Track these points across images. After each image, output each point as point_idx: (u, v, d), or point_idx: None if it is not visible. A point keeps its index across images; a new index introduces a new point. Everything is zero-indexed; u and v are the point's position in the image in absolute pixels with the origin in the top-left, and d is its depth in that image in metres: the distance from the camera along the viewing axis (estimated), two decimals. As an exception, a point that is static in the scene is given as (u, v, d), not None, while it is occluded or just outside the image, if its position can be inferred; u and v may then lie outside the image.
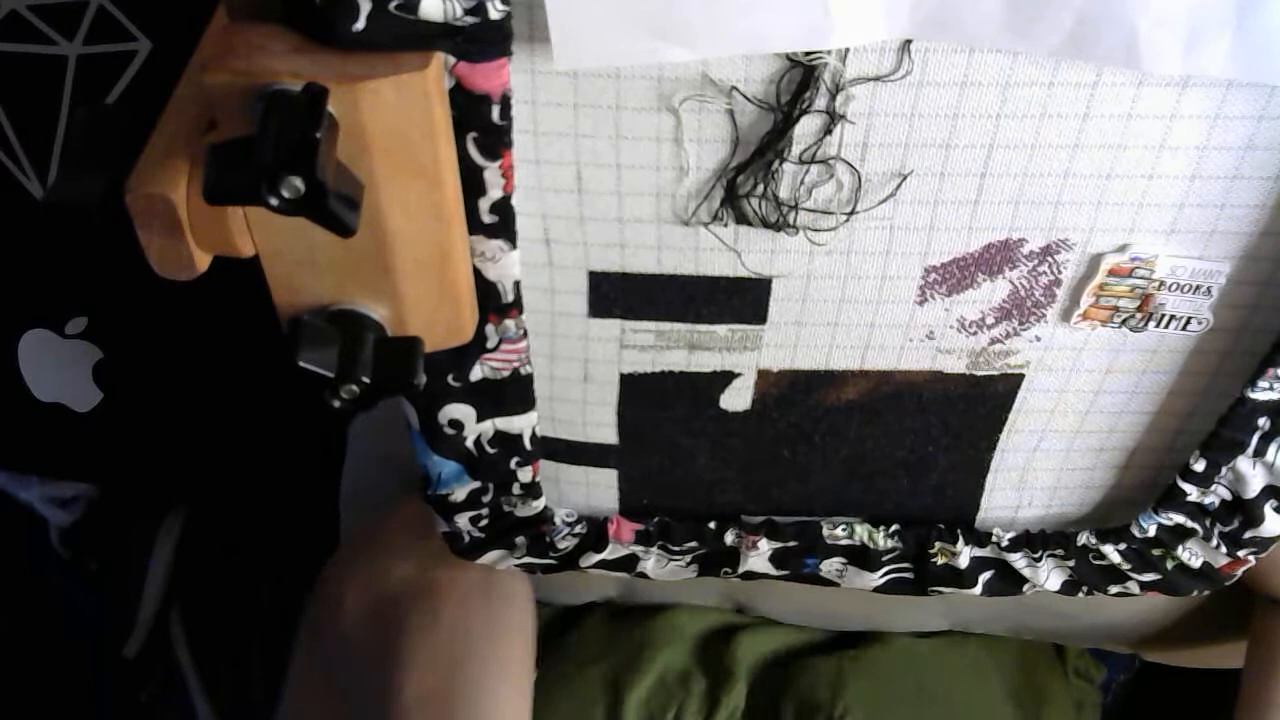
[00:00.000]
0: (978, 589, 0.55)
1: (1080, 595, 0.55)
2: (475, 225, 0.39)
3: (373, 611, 0.59)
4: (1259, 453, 0.47)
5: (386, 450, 0.66)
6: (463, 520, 0.52)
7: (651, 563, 0.55)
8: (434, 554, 0.58)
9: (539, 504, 0.52)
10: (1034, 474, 0.51)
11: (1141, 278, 0.42)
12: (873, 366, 0.46)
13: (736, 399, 0.48)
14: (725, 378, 0.47)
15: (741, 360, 0.46)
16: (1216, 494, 0.49)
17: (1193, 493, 0.49)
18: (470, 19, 0.33)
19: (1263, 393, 0.45)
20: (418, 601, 0.58)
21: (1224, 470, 0.48)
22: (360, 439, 0.68)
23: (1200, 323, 0.44)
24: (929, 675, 0.69)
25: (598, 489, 0.53)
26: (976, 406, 0.48)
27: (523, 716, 0.58)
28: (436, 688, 0.56)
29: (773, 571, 0.55)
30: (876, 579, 0.54)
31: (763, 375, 0.47)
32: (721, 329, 0.45)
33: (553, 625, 0.68)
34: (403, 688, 0.56)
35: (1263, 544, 0.50)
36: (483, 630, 0.58)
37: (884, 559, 0.53)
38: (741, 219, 0.40)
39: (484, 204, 0.38)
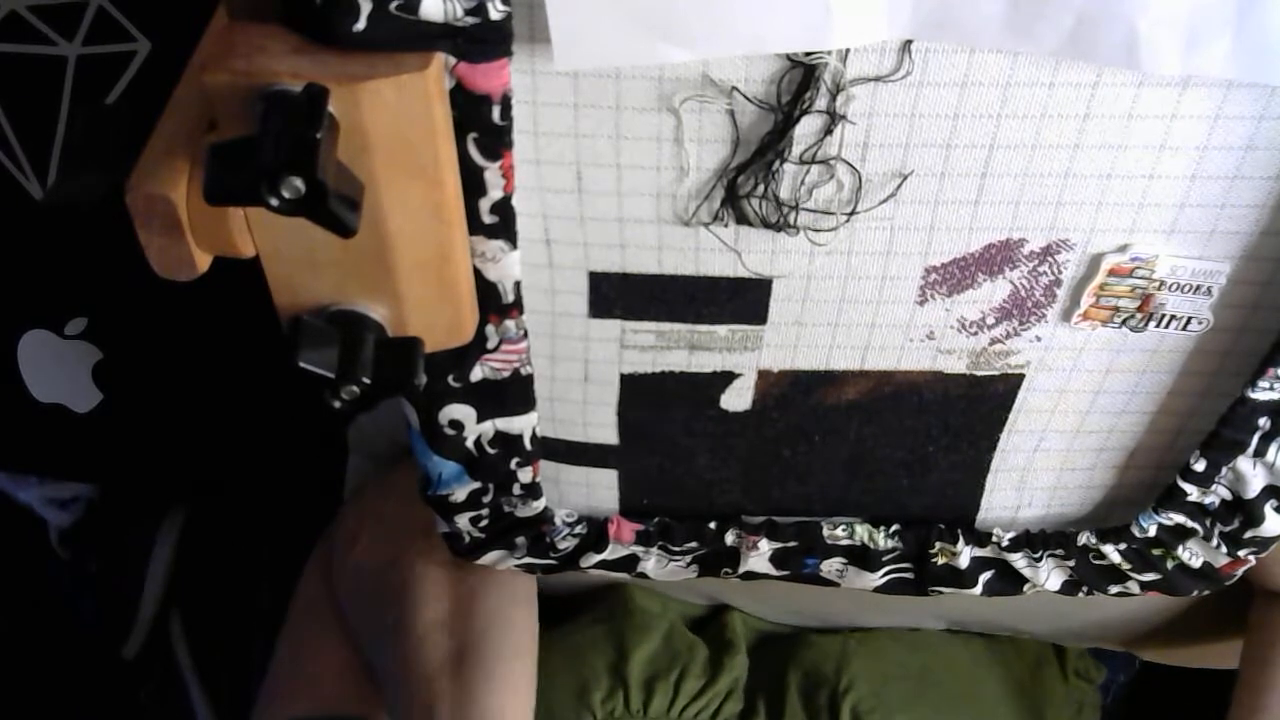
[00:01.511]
0: (978, 589, 0.55)
1: (1080, 595, 0.55)
2: (475, 225, 0.39)
3: (389, 553, 0.60)
4: (1259, 453, 0.47)
5: (387, 450, 0.66)
6: (463, 521, 0.52)
7: (652, 563, 0.55)
8: None
9: (539, 504, 0.52)
10: (1034, 474, 0.51)
11: (1142, 278, 0.42)
12: (873, 367, 0.46)
13: (737, 399, 0.48)
14: (725, 378, 0.47)
15: (742, 360, 0.46)
16: (1217, 494, 0.49)
17: (1193, 493, 0.49)
18: (470, 19, 0.33)
19: (1263, 393, 0.45)
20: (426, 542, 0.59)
21: (1224, 470, 0.48)
22: (361, 439, 0.68)
23: (1200, 323, 0.44)
24: (932, 660, 0.69)
25: (598, 489, 0.53)
26: (977, 406, 0.48)
27: (532, 634, 0.60)
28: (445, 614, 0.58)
29: (773, 572, 0.55)
30: (877, 579, 0.54)
31: (763, 375, 0.47)
32: (722, 329, 0.45)
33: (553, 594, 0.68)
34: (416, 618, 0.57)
35: (1263, 544, 0.50)
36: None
37: (884, 559, 0.53)
38: (742, 219, 0.40)
39: (484, 204, 0.38)
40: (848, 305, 0.43)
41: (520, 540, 0.54)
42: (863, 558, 0.53)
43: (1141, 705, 0.83)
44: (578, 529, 0.54)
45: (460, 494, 0.50)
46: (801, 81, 0.37)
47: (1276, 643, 0.60)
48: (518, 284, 0.42)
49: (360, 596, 0.61)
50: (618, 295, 0.43)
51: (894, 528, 0.53)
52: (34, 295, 0.70)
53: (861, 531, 0.53)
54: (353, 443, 0.68)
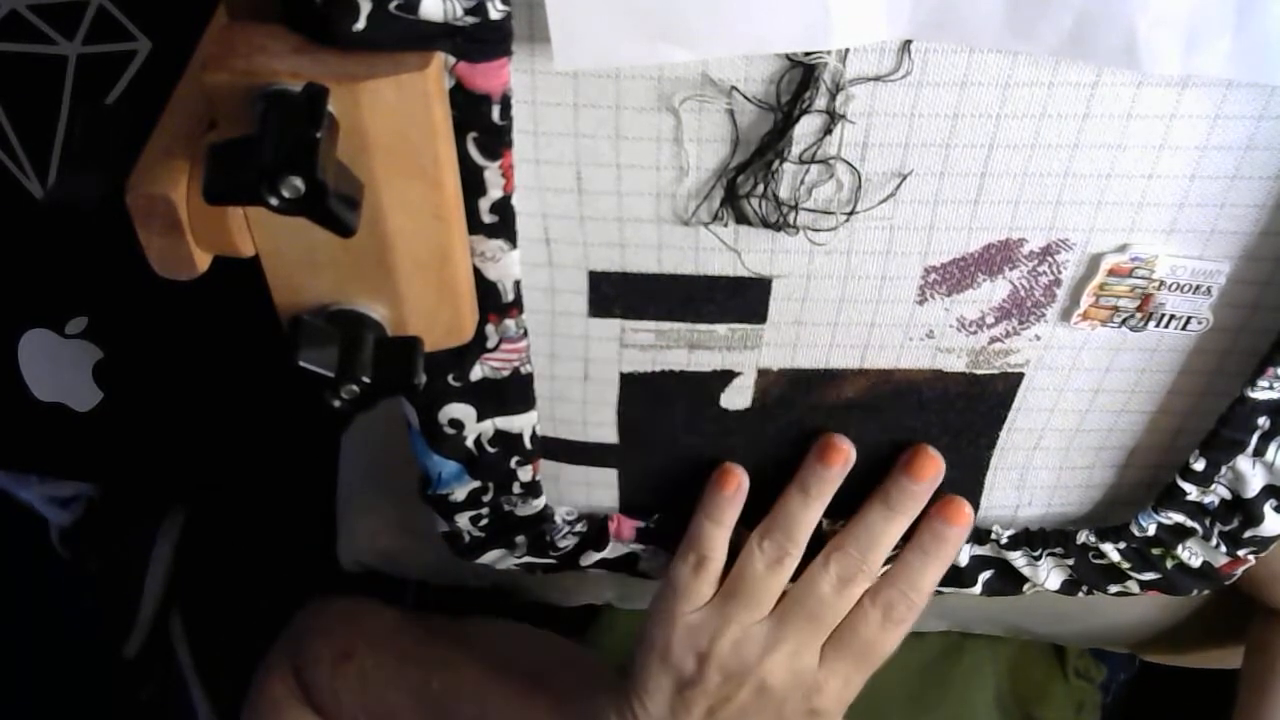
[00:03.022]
0: (977, 588, 0.55)
1: (1080, 595, 0.55)
2: (475, 225, 0.39)
3: None
4: (1259, 452, 0.47)
5: (378, 453, 0.66)
6: (463, 520, 0.52)
7: (652, 561, 0.55)
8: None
9: (539, 503, 0.52)
10: (1034, 473, 0.51)
11: (1141, 277, 0.42)
12: (872, 365, 0.46)
13: (737, 398, 0.48)
14: (725, 377, 0.47)
15: (742, 359, 0.46)
16: (1216, 493, 0.49)
17: (1192, 492, 0.49)
18: (470, 19, 0.33)
19: (1262, 392, 0.45)
20: None
21: (1224, 469, 0.48)
22: (352, 442, 0.68)
23: (1200, 322, 0.44)
24: (924, 682, 0.68)
25: (598, 488, 0.53)
26: (976, 405, 0.48)
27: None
28: None
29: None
30: (876, 578, 0.54)
31: (763, 374, 0.47)
32: (721, 328, 0.45)
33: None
34: None
35: (1262, 543, 0.50)
36: None
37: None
38: (741, 219, 0.40)
39: (484, 204, 0.38)
40: (847, 304, 0.43)
41: (520, 539, 0.54)
42: (862, 557, 0.53)
43: (1142, 705, 0.83)
44: (578, 527, 0.54)
45: (460, 493, 0.50)
46: (801, 81, 0.37)
47: (1276, 670, 0.60)
48: (517, 283, 0.42)
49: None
50: (617, 294, 0.43)
51: (893, 526, 0.53)
52: (34, 295, 0.70)
53: (861, 530, 0.53)
54: (345, 447, 0.68)
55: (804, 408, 0.48)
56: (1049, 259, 0.42)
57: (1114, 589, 0.55)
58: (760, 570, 0.49)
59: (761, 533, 0.50)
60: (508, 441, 0.48)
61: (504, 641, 0.61)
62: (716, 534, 0.50)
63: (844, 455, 0.48)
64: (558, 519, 0.53)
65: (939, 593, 0.55)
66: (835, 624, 0.50)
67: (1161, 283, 0.42)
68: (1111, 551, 0.52)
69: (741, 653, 0.49)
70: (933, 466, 0.49)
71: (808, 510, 0.49)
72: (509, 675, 0.58)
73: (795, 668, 0.49)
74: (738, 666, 0.49)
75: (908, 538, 0.51)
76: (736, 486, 0.50)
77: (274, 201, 0.30)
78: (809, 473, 0.49)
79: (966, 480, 0.51)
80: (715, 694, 0.50)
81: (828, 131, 0.38)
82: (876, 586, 0.50)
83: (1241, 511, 0.49)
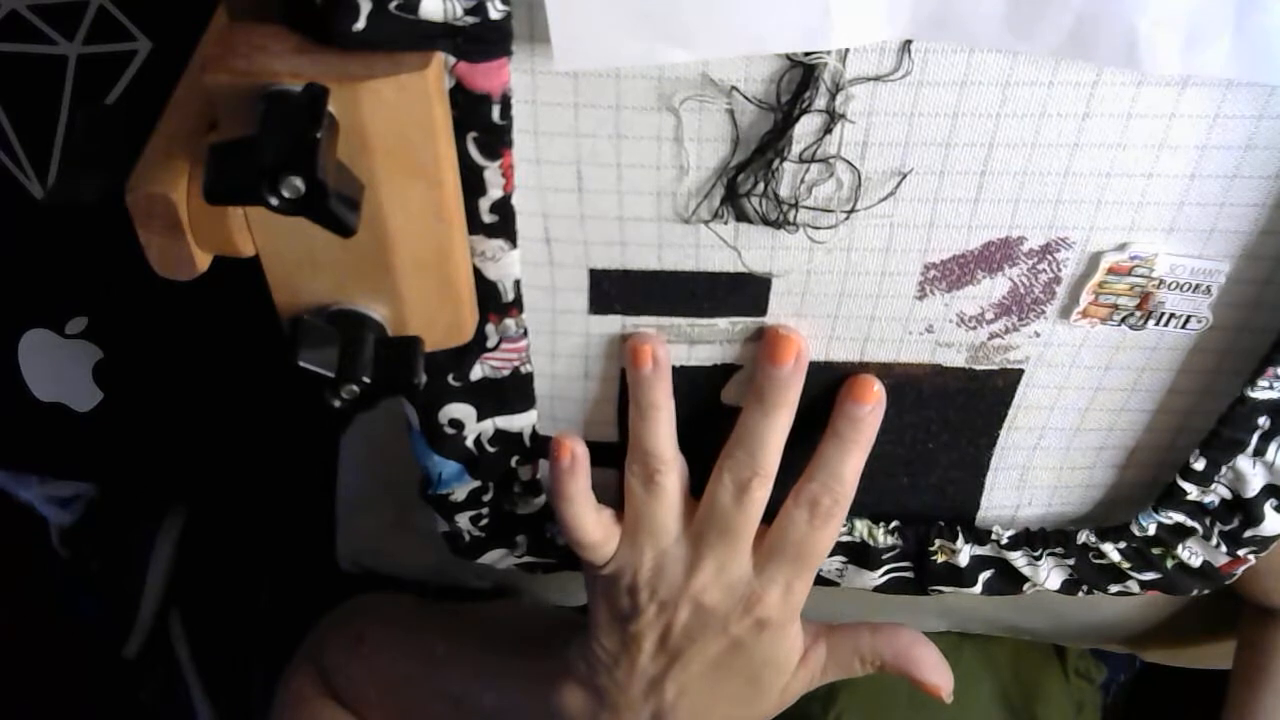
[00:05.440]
0: (978, 588, 0.55)
1: (1080, 595, 0.55)
2: (475, 225, 0.39)
3: None
4: (1259, 452, 0.47)
5: (378, 453, 0.66)
6: (463, 520, 0.52)
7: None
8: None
9: (539, 502, 0.52)
10: (1034, 472, 0.51)
11: (1141, 276, 0.42)
12: (872, 358, 0.46)
13: (737, 392, 0.48)
14: (726, 371, 0.47)
15: (742, 353, 0.46)
16: (1216, 493, 0.49)
17: (1193, 491, 0.49)
18: (470, 19, 0.33)
19: (1262, 391, 0.45)
20: None
21: (1224, 469, 0.48)
22: (352, 443, 0.68)
23: (1199, 321, 0.44)
24: None
25: (598, 488, 0.52)
26: (976, 402, 0.48)
27: None
28: None
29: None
30: (877, 578, 0.54)
31: (763, 373, 0.46)
32: (722, 321, 0.45)
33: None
34: None
35: (1263, 543, 0.50)
36: None
37: (884, 557, 0.53)
38: (742, 217, 0.40)
39: (484, 204, 0.38)
40: (847, 299, 0.43)
41: (520, 539, 0.54)
42: (862, 555, 0.53)
43: (1142, 705, 0.83)
44: (578, 528, 0.54)
45: (460, 493, 0.50)
46: (801, 81, 0.37)
47: (1265, 666, 0.60)
48: (517, 282, 0.42)
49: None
50: (618, 291, 0.44)
51: (893, 524, 0.53)
52: (34, 295, 0.70)
53: (861, 528, 0.53)
54: (344, 449, 0.68)
55: (804, 402, 0.48)
56: (1049, 257, 0.42)
57: (1114, 589, 0.55)
58: (640, 495, 0.49)
59: (628, 459, 0.49)
60: (508, 441, 0.48)
61: (503, 612, 0.63)
62: (569, 511, 0.49)
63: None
64: (558, 518, 0.53)
65: (939, 592, 0.55)
66: (750, 532, 0.49)
67: (1161, 281, 0.42)
68: (1112, 551, 0.52)
69: (666, 578, 0.49)
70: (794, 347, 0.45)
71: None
72: (503, 639, 0.60)
73: (726, 583, 0.49)
74: (667, 592, 0.49)
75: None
76: (571, 457, 0.48)
77: (274, 201, 0.30)
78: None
79: (966, 480, 0.51)
80: (657, 623, 0.50)
81: (828, 131, 0.38)
82: (798, 485, 0.49)
83: (1242, 511, 0.49)
